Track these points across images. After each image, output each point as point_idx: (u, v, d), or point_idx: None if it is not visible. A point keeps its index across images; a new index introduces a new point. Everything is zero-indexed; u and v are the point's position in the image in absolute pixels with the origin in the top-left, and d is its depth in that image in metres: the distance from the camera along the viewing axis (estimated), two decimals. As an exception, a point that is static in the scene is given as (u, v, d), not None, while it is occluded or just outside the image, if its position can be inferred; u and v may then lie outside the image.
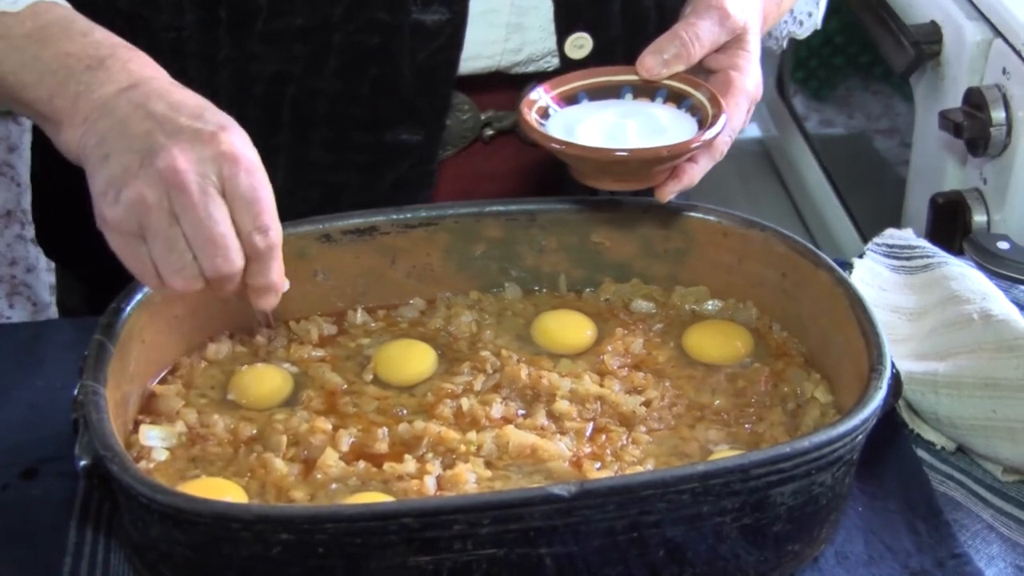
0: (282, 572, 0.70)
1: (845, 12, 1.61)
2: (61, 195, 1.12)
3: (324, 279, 0.91)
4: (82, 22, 0.83)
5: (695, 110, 0.90)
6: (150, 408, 0.84)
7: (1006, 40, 1.29)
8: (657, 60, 0.89)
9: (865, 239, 1.10)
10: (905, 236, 1.07)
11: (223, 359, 0.88)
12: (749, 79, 0.92)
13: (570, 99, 0.92)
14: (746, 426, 0.84)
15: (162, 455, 0.80)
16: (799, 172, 1.93)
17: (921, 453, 0.90)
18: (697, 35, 0.89)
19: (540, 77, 0.99)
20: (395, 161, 0.98)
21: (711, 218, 0.92)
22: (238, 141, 0.77)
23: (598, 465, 0.80)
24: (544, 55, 0.98)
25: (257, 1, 0.90)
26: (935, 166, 1.43)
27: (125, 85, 0.80)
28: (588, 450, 0.82)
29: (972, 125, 1.30)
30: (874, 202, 1.72)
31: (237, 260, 0.77)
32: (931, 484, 0.87)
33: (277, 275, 0.79)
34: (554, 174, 1.05)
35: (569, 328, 0.91)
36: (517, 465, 0.80)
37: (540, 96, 0.91)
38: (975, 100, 1.30)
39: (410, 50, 0.93)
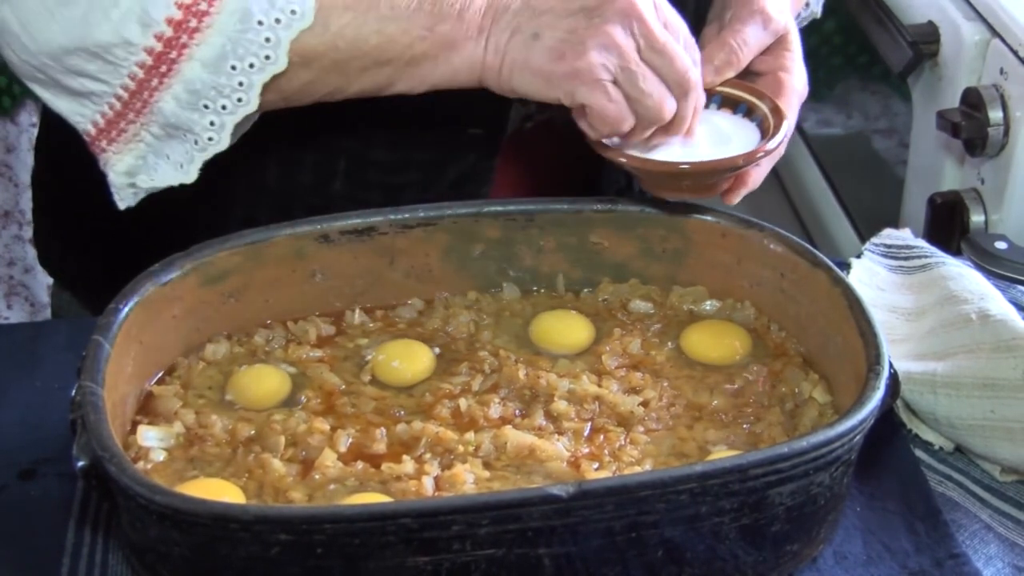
0: (280, 572, 0.70)
1: (842, 12, 1.62)
2: (62, 216, 1.12)
3: (322, 279, 0.91)
4: None
5: (751, 114, 0.92)
6: (148, 409, 0.84)
7: (1004, 40, 1.29)
8: (709, 69, 0.91)
9: (863, 239, 1.10)
10: (903, 236, 1.07)
11: (221, 360, 0.88)
12: (797, 78, 0.95)
13: None
14: (744, 426, 0.84)
15: (160, 456, 0.80)
16: (797, 172, 1.93)
17: (919, 453, 0.90)
18: (745, 41, 0.92)
19: None
20: (458, 157, 0.98)
21: (709, 218, 0.92)
22: None
23: (596, 465, 0.80)
24: None
25: None
26: (933, 166, 1.43)
27: None
28: (586, 450, 0.82)
29: (970, 125, 1.30)
30: (872, 202, 1.72)
31: (693, 64, 0.85)
32: (929, 484, 0.88)
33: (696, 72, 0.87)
34: (592, 165, 1.06)
35: (567, 328, 0.91)
36: (515, 465, 0.80)
37: None
38: (973, 100, 1.30)
39: None
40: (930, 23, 1.41)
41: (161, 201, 0.89)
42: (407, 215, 0.91)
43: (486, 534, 0.70)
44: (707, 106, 0.92)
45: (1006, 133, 1.28)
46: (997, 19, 1.31)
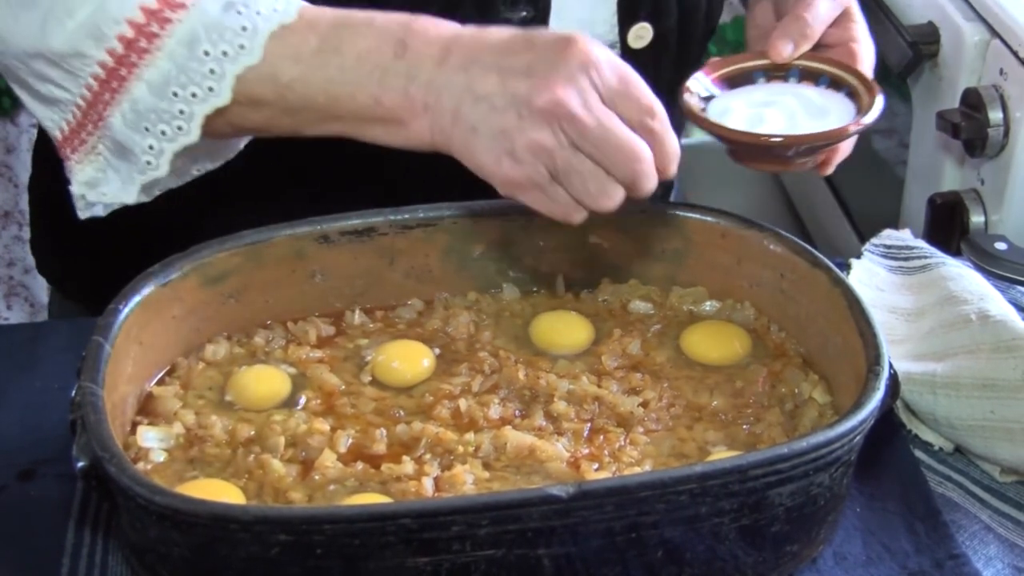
0: (280, 573, 0.70)
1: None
2: (60, 223, 1.11)
3: (322, 280, 0.91)
4: (355, 14, 0.82)
5: (836, 86, 0.93)
6: (148, 409, 0.84)
7: (1004, 41, 1.29)
8: (787, 43, 0.92)
9: (863, 239, 1.10)
10: (902, 237, 1.07)
11: (221, 360, 0.88)
12: (867, 49, 0.96)
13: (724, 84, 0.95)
14: (744, 427, 0.84)
15: (160, 456, 0.80)
16: (796, 173, 1.93)
17: (919, 454, 0.90)
18: (817, 14, 0.93)
19: None
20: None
21: (709, 219, 0.92)
22: (584, 46, 0.78)
23: (596, 466, 0.80)
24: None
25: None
26: (933, 166, 1.43)
27: (440, 55, 0.80)
28: (586, 451, 0.82)
29: (970, 126, 1.30)
30: (872, 202, 1.72)
31: (645, 152, 0.79)
32: (929, 485, 0.88)
33: (674, 144, 0.81)
34: None
35: (567, 329, 0.91)
36: (515, 466, 0.80)
37: (697, 82, 0.93)
38: (972, 101, 1.30)
39: None
40: (930, 23, 1.41)
41: (162, 212, 0.89)
42: (407, 216, 0.91)
43: (486, 535, 0.70)
44: (786, 80, 0.94)
45: (1006, 134, 1.28)
46: (997, 20, 1.31)
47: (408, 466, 0.79)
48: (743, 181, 2.03)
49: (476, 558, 0.71)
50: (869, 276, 1.03)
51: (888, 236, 1.08)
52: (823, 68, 0.94)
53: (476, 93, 0.78)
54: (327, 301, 0.92)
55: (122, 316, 0.81)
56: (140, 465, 0.79)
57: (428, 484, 0.78)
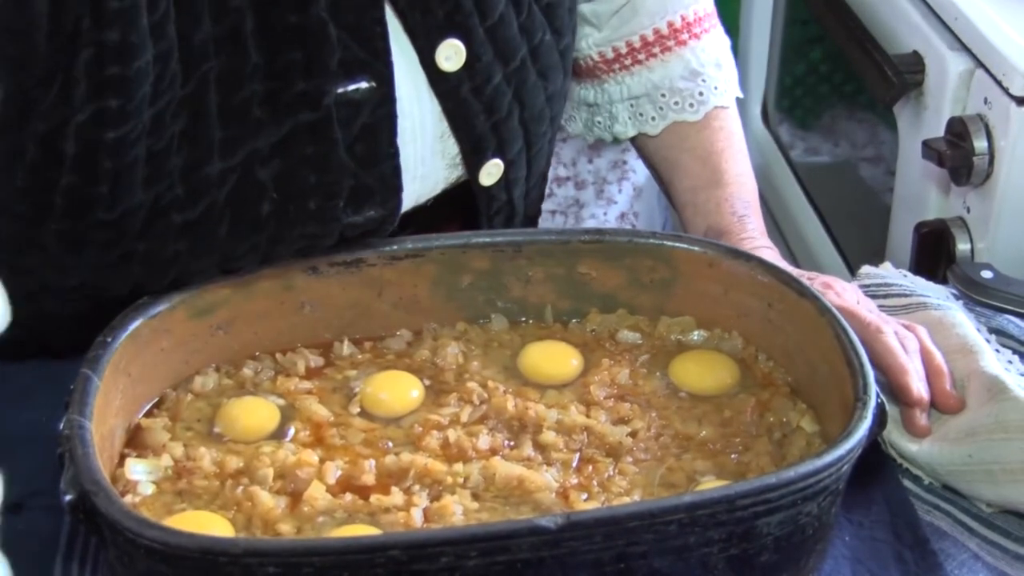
0: (269, 606, 0.70)
1: (829, 41, 1.63)
2: None
3: (311, 311, 0.91)
4: None
5: None
6: (136, 442, 0.84)
7: (988, 71, 1.30)
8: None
9: (851, 267, 1.10)
10: (881, 273, 1.06)
11: (209, 392, 0.88)
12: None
13: None
14: (732, 456, 0.84)
15: (148, 489, 0.80)
16: (785, 201, 1.94)
17: (907, 483, 0.90)
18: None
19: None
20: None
21: (696, 248, 0.93)
22: None
23: (585, 496, 0.80)
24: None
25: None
26: (919, 195, 1.44)
27: None
28: (575, 481, 0.82)
29: (955, 154, 1.31)
30: (860, 230, 1.73)
31: None
32: (917, 513, 0.88)
33: None
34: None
35: (555, 359, 0.92)
36: (504, 496, 0.80)
37: None
38: (957, 129, 1.31)
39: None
40: (915, 53, 1.42)
41: None
42: (395, 247, 0.91)
43: (474, 566, 0.70)
44: None
45: (991, 162, 1.29)
46: (981, 50, 1.32)
47: (397, 497, 0.79)
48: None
49: (465, 589, 0.70)
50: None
51: (867, 275, 1.06)
52: None
53: None
54: (316, 332, 0.92)
55: (111, 349, 0.81)
56: (128, 498, 0.79)
57: (417, 515, 0.78)
